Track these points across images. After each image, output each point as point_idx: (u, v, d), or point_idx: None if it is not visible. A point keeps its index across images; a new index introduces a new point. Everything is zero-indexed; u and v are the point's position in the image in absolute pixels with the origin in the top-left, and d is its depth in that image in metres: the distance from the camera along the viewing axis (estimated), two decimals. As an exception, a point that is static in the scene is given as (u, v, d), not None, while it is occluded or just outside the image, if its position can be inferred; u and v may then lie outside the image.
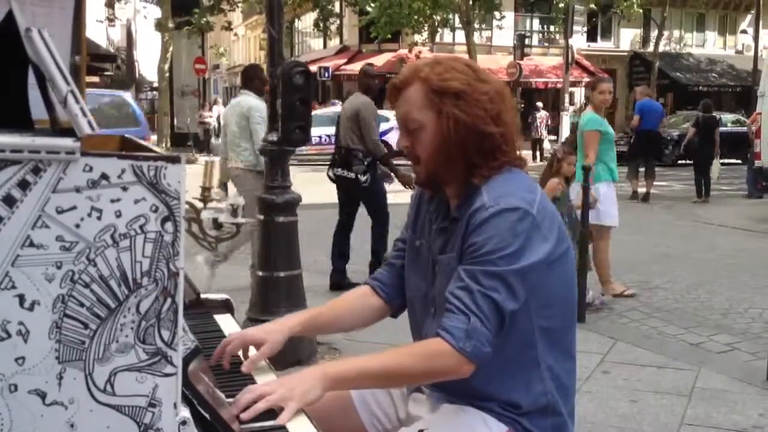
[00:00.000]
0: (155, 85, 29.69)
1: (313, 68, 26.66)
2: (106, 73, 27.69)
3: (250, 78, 6.18)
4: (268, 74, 4.53)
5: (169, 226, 1.18)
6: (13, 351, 1.13)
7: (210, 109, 25.32)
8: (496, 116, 1.74)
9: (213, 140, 22.23)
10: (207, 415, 1.28)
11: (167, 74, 21.84)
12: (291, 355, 3.87)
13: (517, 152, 1.81)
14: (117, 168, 1.15)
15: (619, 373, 4.42)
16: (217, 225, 1.50)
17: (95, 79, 28.39)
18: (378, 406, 1.96)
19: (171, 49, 21.72)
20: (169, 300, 1.19)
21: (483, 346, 1.60)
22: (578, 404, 4.00)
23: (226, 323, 2.18)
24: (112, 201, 1.16)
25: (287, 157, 4.49)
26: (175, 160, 1.18)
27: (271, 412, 1.53)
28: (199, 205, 1.52)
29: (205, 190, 1.76)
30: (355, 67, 31.14)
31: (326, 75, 27.70)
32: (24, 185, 1.12)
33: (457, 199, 1.79)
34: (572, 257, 1.81)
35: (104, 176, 1.15)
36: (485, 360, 1.61)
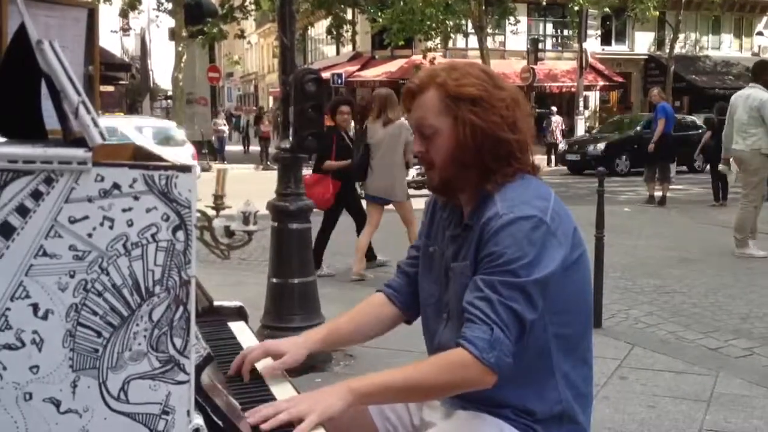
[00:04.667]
0: (170, 93, 29.84)
1: (327, 75, 26.72)
2: (120, 82, 27.96)
3: (759, 73, 7.95)
4: (280, 82, 4.55)
5: (180, 234, 1.19)
6: (27, 360, 1.14)
7: (226, 117, 25.43)
8: (512, 123, 1.74)
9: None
10: (220, 423, 1.28)
11: (181, 83, 21.97)
12: (306, 361, 3.86)
13: (531, 159, 1.80)
14: (128, 177, 1.16)
15: (636, 378, 4.39)
16: (228, 233, 1.51)
17: (110, 88, 28.68)
18: (392, 411, 1.96)
19: (185, 57, 21.85)
20: (181, 308, 1.20)
21: (506, 356, 1.59)
22: (596, 410, 3.96)
23: (240, 331, 2.18)
24: (124, 210, 1.16)
25: (300, 164, 4.50)
26: (185, 170, 1.18)
27: (291, 425, 1.52)
28: (211, 213, 1.53)
29: (218, 198, 1.76)
30: (369, 74, 31.27)
31: (339, 81, 27.74)
32: (37, 195, 1.13)
33: (470, 206, 1.78)
34: (587, 262, 1.80)
35: (116, 186, 1.16)
36: (507, 370, 1.60)
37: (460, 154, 1.73)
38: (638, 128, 19.60)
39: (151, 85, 23.40)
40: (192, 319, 1.21)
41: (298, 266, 4.52)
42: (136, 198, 1.17)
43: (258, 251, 7.64)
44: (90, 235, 1.15)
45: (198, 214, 1.58)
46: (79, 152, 1.13)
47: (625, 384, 4.29)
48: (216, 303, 2.32)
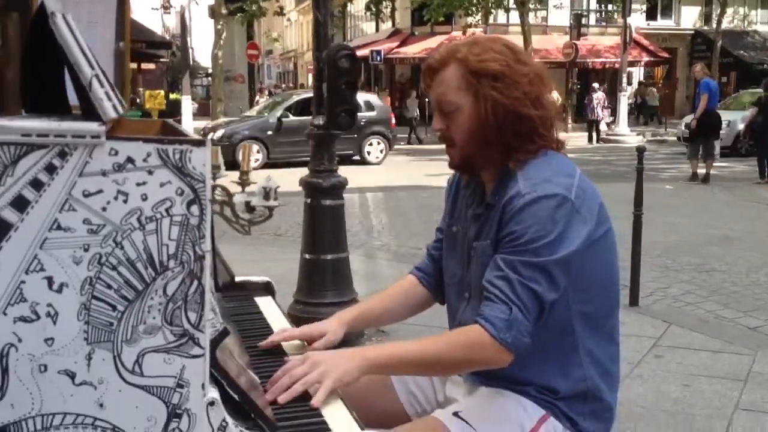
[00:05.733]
0: (210, 71, 30.00)
1: (365, 52, 26.63)
2: (161, 59, 28.19)
3: None
4: (313, 58, 4.53)
5: (195, 209, 1.19)
6: (42, 332, 1.15)
7: (268, 95, 25.47)
8: (535, 99, 1.70)
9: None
10: (236, 397, 1.28)
11: (220, 61, 22.06)
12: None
13: (556, 135, 1.76)
14: (142, 151, 1.16)
15: (672, 357, 4.33)
16: (249, 208, 1.51)
17: (151, 66, 28.95)
18: (417, 387, 1.96)
19: (224, 35, 21.94)
20: (195, 282, 1.20)
21: (523, 336, 1.57)
22: (629, 388, 3.95)
23: (267, 306, 2.19)
24: (138, 184, 1.17)
25: (333, 141, 4.49)
26: (200, 144, 1.18)
27: (307, 394, 1.53)
28: (233, 188, 1.53)
29: (243, 173, 1.76)
30: (408, 51, 31.06)
31: (378, 59, 27.58)
32: (51, 169, 1.13)
33: (493, 185, 1.75)
34: (613, 239, 1.76)
35: (130, 160, 1.16)
36: (524, 350, 1.59)
37: (482, 132, 1.70)
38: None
39: (191, 62, 23.46)
40: (207, 294, 1.21)
41: (330, 242, 4.53)
42: (150, 172, 1.17)
43: (294, 227, 7.68)
44: (104, 209, 1.16)
45: (219, 189, 1.58)
46: (93, 126, 1.13)
47: (661, 363, 4.24)
48: (243, 278, 2.34)
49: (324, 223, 4.49)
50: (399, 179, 12.94)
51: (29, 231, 1.13)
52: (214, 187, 1.54)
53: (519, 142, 1.69)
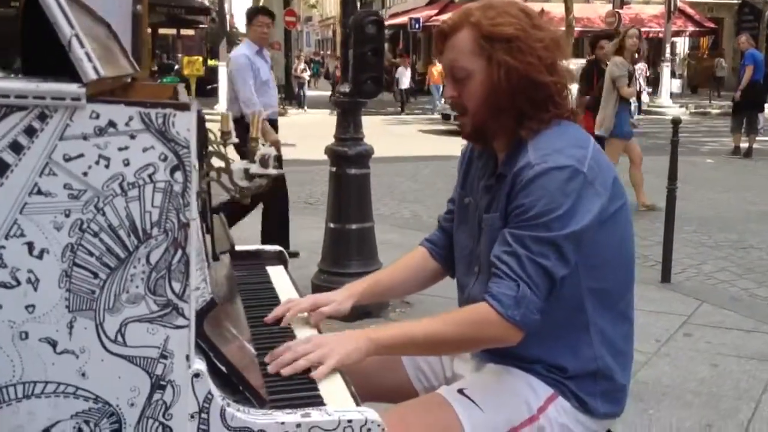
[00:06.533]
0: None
1: (404, 19, 26.37)
2: (200, 26, 28.22)
3: None
4: (341, 24, 4.46)
5: (178, 175, 1.15)
6: (23, 298, 1.13)
7: (305, 62, 25.36)
8: (551, 65, 1.63)
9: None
10: (223, 369, 1.25)
11: (258, 27, 21.99)
12: (361, 308, 3.86)
13: (570, 104, 1.69)
14: (124, 115, 1.12)
15: (702, 335, 4.23)
16: (249, 176, 1.47)
17: (190, 32, 28.99)
18: (425, 362, 1.92)
19: (261, 1, 21.84)
20: (179, 251, 1.16)
21: (532, 313, 1.52)
22: (654, 366, 3.87)
23: (277, 275, 2.16)
24: (120, 149, 1.13)
25: (359, 108, 4.43)
26: (183, 108, 1.14)
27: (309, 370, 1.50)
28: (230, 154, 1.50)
29: (253, 140, 1.72)
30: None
31: (417, 26, 27.28)
32: (30, 132, 1.10)
33: (504, 154, 1.69)
34: (627, 214, 1.69)
35: (111, 123, 1.12)
36: (534, 327, 1.54)
37: (494, 98, 1.63)
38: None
39: (228, 29, 23.46)
40: (192, 263, 1.18)
41: (356, 211, 4.49)
42: (132, 136, 1.13)
43: (325, 196, 7.65)
44: (85, 174, 1.12)
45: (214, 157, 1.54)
46: (72, 87, 1.09)
47: (689, 341, 4.14)
48: (257, 247, 2.31)
49: (349, 192, 4.45)
50: (426, 149, 12.83)
51: (9, 195, 1.11)
52: (210, 154, 1.50)
53: (533, 110, 1.63)
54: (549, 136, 1.61)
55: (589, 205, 1.56)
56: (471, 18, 1.64)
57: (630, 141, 7.54)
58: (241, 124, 4.78)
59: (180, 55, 25.38)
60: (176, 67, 23.16)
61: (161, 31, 26.49)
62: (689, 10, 31.33)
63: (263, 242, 5.24)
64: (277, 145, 5.35)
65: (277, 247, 2.31)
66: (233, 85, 5.37)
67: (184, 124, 1.14)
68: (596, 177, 1.58)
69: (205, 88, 20.91)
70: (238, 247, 2.21)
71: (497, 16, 1.63)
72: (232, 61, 5.62)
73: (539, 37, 1.63)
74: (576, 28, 23.03)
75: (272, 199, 5.12)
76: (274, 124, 5.61)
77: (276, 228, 5.44)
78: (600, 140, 7.37)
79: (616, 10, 25.81)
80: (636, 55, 7.40)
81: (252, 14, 5.65)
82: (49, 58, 1.35)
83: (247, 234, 5.20)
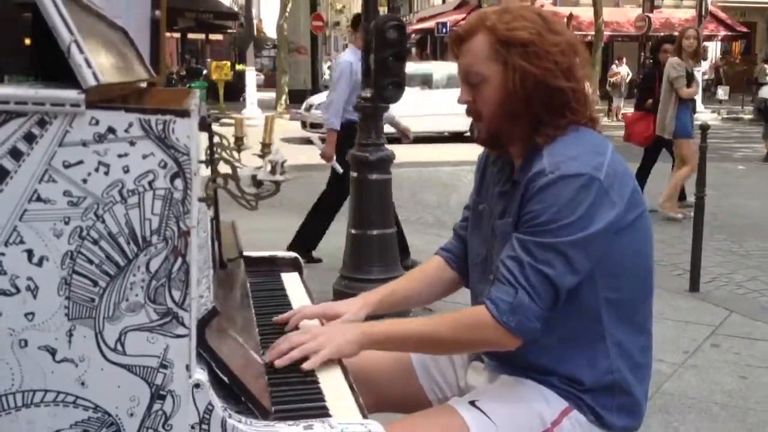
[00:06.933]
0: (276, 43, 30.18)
1: (432, 24, 26.34)
2: (228, 30, 28.44)
3: None
4: (363, 29, 4.44)
5: (179, 183, 1.13)
6: (22, 306, 1.12)
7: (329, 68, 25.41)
8: (567, 70, 1.59)
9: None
10: (225, 379, 1.23)
11: (286, 32, 22.06)
12: (382, 314, 3.84)
13: (589, 110, 1.65)
14: (124, 122, 1.11)
15: (730, 346, 4.14)
16: (256, 182, 1.45)
17: (219, 37, 29.24)
18: (438, 372, 1.89)
19: (289, 6, 21.90)
20: (179, 259, 1.14)
21: (529, 321, 1.50)
22: (680, 378, 3.79)
23: (291, 282, 2.15)
24: (120, 156, 1.11)
25: (381, 114, 4.41)
26: (183, 114, 1.12)
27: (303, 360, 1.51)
28: (237, 159, 1.48)
29: (265, 146, 1.70)
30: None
31: (444, 31, 27.23)
32: (30, 138, 1.09)
33: (520, 161, 1.66)
34: (647, 223, 1.64)
35: (111, 130, 1.11)
36: (532, 335, 1.52)
37: (510, 104, 1.60)
38: None
39: (255, 33, 23.54)
40: (192, 272, 1.16)
41: (377, 217, 4.47)
42: (132, 143, 1.11)
43: (348, 202, 7.63)
44: (85, 181, 1.11)
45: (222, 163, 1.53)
46: (72, 93, 1.08)
47: (717, 352, 4.05)
48: (271, 253, 2.30)
49: (371, 197, 4.43)
50: (450, 154, 12.75)
51: (8, 202, 1.10)
52: (217, 160, 1.49)
53: (548, 116, 1.59)
54: (565, 142, 1.58)
55: (602, 212, 1.52)
56: (487, 22, 1.61)
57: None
58: (347, 131, 4.91)
59: (209, 60, 25.58)
60: (204, 71, 23.35)
61: (190, 36, 26.78)
62: (721, 14, 30.95)
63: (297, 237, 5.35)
64: (407, 132, 5.75)
65: (292, 254, 2.30)
66: (330, 90, 5.44)
67: (184, 131, 1.12)
68: (612, 184, 1.54)
69: (235, 92, 21.07)
70: (253, 253, 2.20)
71: (513, 21, 1.60)
72: (336, 66, 5.69)
73: (555, 41, 1.60)
74: (605, 33, 22.84)
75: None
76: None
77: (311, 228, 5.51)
78: (664, 142, 7.38)
79: (646, 14, 25.59)
80: (695, 55, 7.23)
81: (358, 20, 5.49)
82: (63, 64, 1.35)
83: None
